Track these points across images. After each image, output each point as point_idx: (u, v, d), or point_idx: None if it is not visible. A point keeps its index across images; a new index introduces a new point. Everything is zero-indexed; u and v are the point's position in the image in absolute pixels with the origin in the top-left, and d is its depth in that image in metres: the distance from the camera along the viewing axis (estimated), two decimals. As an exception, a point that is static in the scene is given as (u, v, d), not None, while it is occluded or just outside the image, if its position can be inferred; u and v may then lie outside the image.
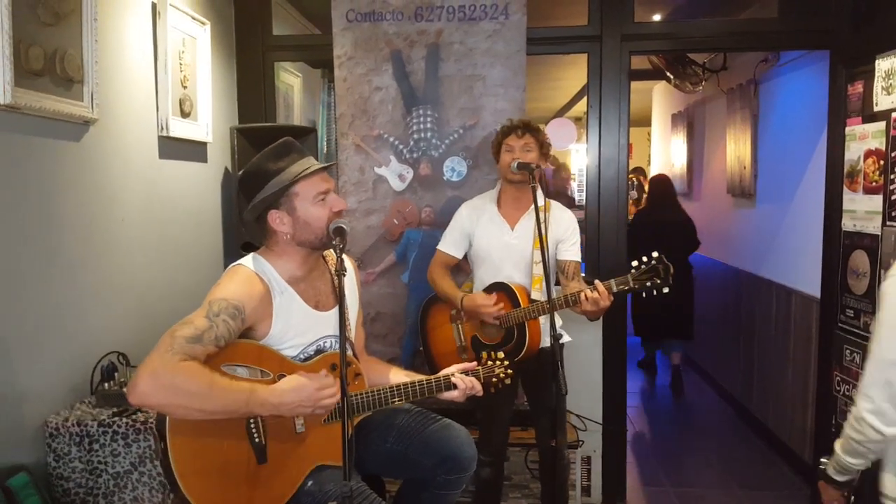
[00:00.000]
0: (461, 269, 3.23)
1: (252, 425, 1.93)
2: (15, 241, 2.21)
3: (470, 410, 3.12)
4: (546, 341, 2.88)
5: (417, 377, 2.25)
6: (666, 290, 2.57)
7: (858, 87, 3.28)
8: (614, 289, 2.61)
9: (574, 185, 9.47)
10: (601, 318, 3.68)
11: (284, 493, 1.98)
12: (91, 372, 2.52)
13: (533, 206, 2.91)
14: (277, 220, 2.04)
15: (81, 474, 2.30)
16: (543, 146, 2.92)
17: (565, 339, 3.00)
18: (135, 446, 2.29)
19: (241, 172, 2.13)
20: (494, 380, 2.29)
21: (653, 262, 2.56)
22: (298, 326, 2.06)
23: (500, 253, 2.91)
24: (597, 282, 2.62)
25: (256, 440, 1.94)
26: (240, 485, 1.91)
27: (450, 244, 3.02)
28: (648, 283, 2.57)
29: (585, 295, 2.60)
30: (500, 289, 2.85)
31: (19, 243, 2.23)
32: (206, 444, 1.87)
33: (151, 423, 2.28)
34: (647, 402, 5.58)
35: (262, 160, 2.06)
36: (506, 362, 2.32)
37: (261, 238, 2.13)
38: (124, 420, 2.29)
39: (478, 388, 2.24)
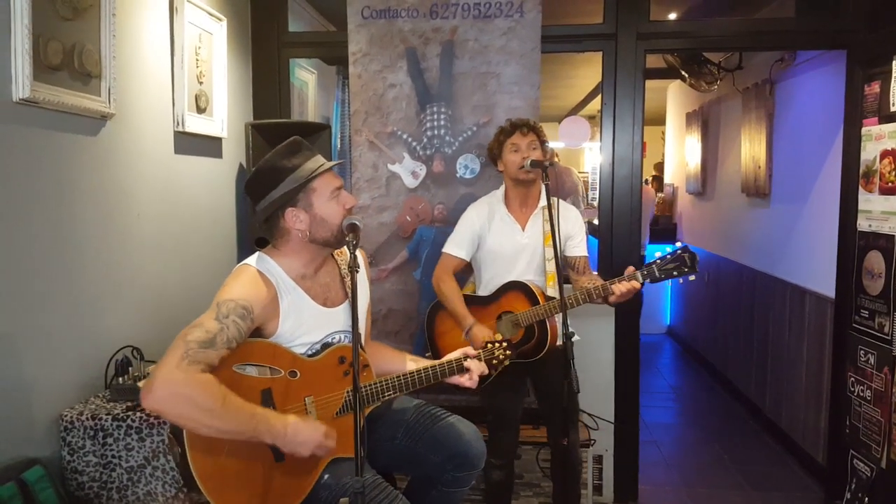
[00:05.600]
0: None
1: None
2: (31, 234, 2.22)
3: (480, 409, 3.12)
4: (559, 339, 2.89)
5: (425, 363, 2.25)
6: (692, 277, 2.58)
7: (875, 87, 3.25)
8: (640, 279, 2.62)
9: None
10: (613, 317, 3.70)
11: (302, 488, 1.99)
12: (105, 366, 2.54)
13: (540, 204, 2.93)
14: (294, 217, 2.03)
15: (95, 468, 2.31)
16: (544, 143, 2.94)
17: (574, 336, 3.00)
18: (148, 441, 2.30)
19: (250, 174, 2.10)
20: (495, 362, 2.31)
21: (678, 251, 2.58)
22: (307, 324, 2.07)
23: (513, 253, 2.91)
24: (628, 271, 2.63)
25: None
26: (259, 483, 1.93)
27: (459, 247, 2.97)
28: (675, 273, 2.58)
29: (616, 288, 2.61)
30: (517, 287, 2.85)
31: (35, 237, 2.24)
32: (224, 444, 1.88)
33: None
34: (658, 401, 5.57)
35: (275, 158, 2.05)
36: (504, 344, 2.34)
37: (270, 237, 2.12)
38: (138, 414, 2.31)
39: (484, 370, 2.26)
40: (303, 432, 1.88)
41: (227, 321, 1.85)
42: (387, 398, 2.17)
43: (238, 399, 1.81)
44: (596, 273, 3.00)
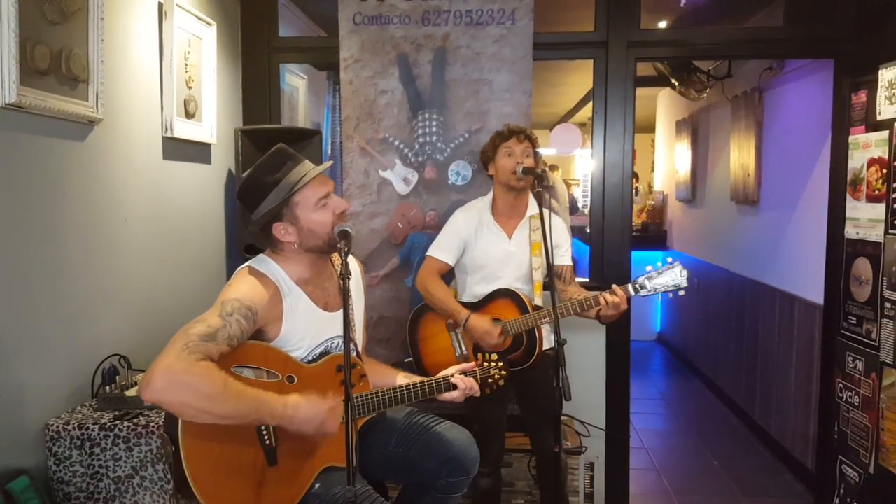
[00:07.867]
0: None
1: (262, 428, 1.94)
2: (17, 240, 2.19)
3: (468, 420, 3.10)
4: (547, 345, 2.88)
5: (418, 379, 2.25)
6: (682, 292, 2.58)
7: (862, 96, 3.27)
8: (631, 292, 2.61)
9: (578, 190, 9.45)
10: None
11: (294, 495, 1.98)
12: (92, 375, 2.51)
13: (528, 214, 2.93)
14: (282, 231, 2.04)
15: (82, 478, 2.28)
16: (537, 153, 2.95)
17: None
18: (136, 450, 2.27)
19: (238, 187, 2.10)
20: (490, 381, 2.30)
21: (669, 265, 2.58)
22: (308, 328, 2.07)
23: (499, 261, 2.90)
24: (615, 286, 2.62)
25: (267, 442, 1.94)
26: (251, 487, 1.92)
27: (444, 251, 2.95)
28: (664, 288, 2.58)
29: (605, 299, 2.60)
30: (506, 295, 2.84)
31: (22, 243, 2.21)
32: (218, 447, 1.87)
33: (153, 427, 2.27)
34: (649, 407, 5.57)
35: (258, 172, 2.05)
36: (500, 363, 2.33)
37: (268, 246, 2.13)
38: (125, 424, 2.28)
39: (476, 389, 2.25)
40: (305, 410, 1.87)
41: (230, 319, 1.87)
42: (378, 413, 2.17)
43: (238, 383, 1.81)
44: (580, 282, 3.00)
